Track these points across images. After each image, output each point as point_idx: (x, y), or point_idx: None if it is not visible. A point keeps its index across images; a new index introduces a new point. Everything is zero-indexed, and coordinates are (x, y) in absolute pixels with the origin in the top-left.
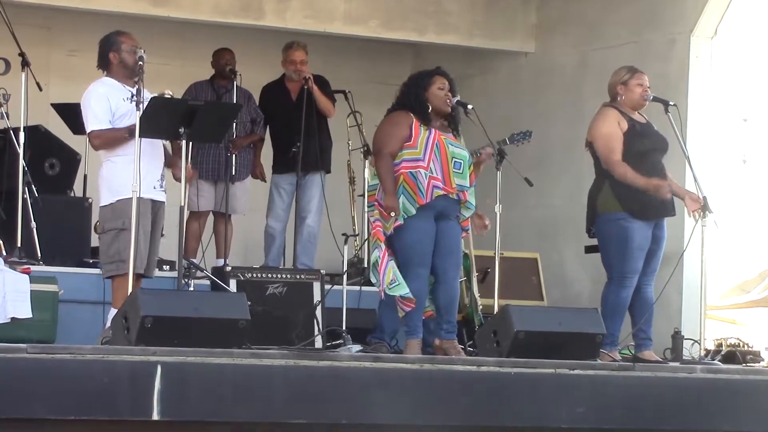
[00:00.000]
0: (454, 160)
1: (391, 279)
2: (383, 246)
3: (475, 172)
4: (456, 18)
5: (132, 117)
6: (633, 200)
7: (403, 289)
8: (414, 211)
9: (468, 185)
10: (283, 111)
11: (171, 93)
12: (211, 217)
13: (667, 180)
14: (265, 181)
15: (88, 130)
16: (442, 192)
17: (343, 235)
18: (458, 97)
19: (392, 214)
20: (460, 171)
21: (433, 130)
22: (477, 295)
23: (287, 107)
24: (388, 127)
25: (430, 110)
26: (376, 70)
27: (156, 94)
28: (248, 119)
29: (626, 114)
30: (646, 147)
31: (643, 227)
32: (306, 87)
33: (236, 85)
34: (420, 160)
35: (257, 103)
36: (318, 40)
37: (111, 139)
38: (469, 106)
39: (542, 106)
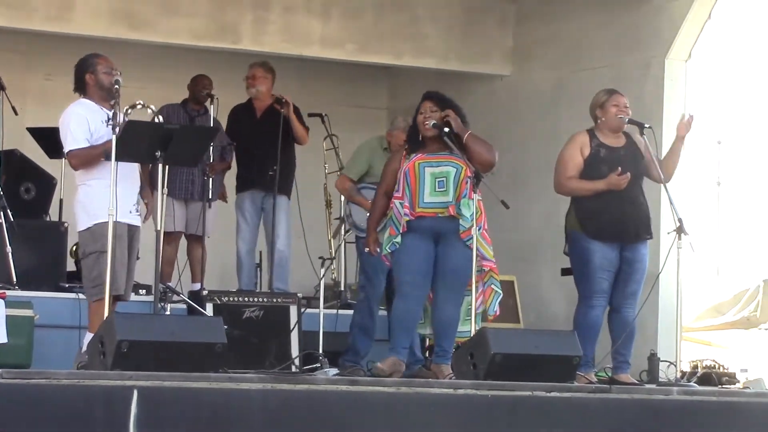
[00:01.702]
0: (436, 179)
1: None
2: None
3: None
4: (432, 41)
5: (110, 142)
6: (589, 222)
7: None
8: (398, 240)
9: (451, 200)
10: (248, 129)
11: (152, 108)
12: (183, 242)
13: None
14: (226, 202)
15: (66, 150)
16: (409, 218)
17: (320, 258)
18: (434, 121)
19: (366, 249)
20: (444, 189)
21: (413, 158)
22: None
23: (252, 126)
24: (385, 166)
25: (420, 138)
26: (352, 93)
27: (131, 112)
28: (220, 144)
29: (597, 138)
30: (603, 175)
31: (604, 248)
32: (280, 110)
33: (211, 114)
34: (396, 192)
35: (226, 123)
36: (295, 63)
37: (89, 158)
38: (445, 129)
39: (519, 129)
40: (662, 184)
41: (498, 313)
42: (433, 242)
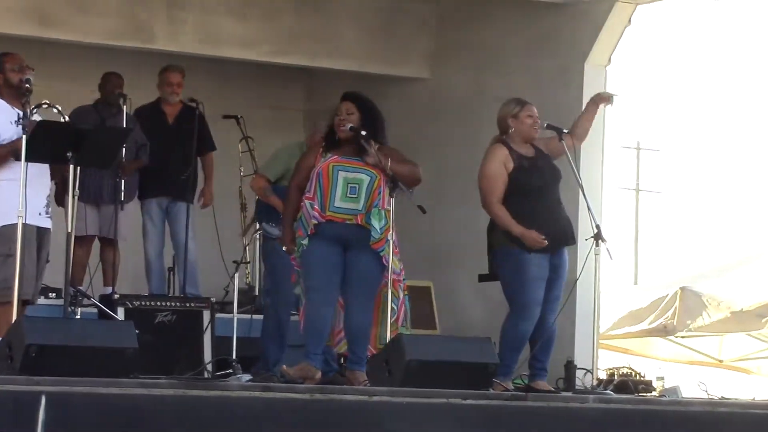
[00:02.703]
0: (348, 185)
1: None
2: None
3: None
4: (350, 43)
5: (19, 140)
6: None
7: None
8: (306, 242)
9: (360, 208)
10: (158, 135)
11: (58, 107)
12: (96, 244)
13: (557, 215)
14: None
15: None
16: (319, 220)
17: (234, 262)
18: (351, 124)
19: (284, 248)
20: (355, 195)
21: (328, 158)
22: None
23: (163, 131)
24: (299, 160)
25: (337, 138)
26: (269, 95)
27: (38, 110)
28: (134, 144)
29: (515, 150)
30: (535, 183)
31: (539, 258)
32: (195, 111)
33: (125, 111)
34: (308, 192)
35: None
36: (211, 64)
37: None
38: (363, 132)
39: (437, 133)
40: (580, 190)
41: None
42: (342, 248)
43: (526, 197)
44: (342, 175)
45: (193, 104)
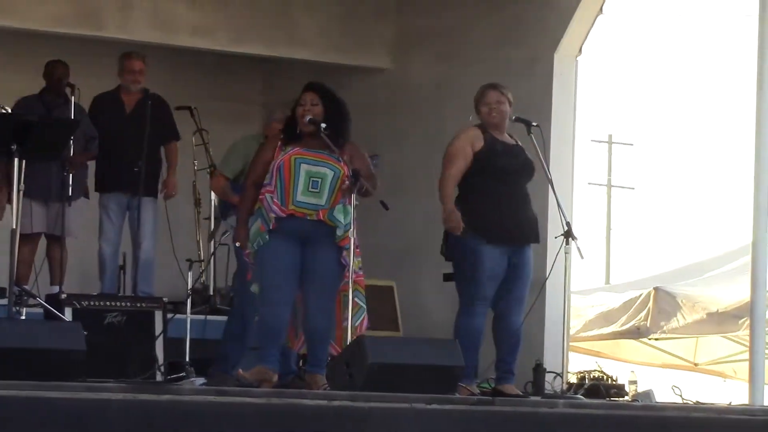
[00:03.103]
0: (311, 179)
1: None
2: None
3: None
4: (308, 32)
5: None
6: (482, 224)
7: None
8: (266, 237)
9: (323, 203)
10: (115, 124)
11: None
12: (43, 241)
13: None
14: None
15: None
16: (278, 215)
17: (188, 260)
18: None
19: (237, 244)
20: (317, 190)
21: (290, 151)
22: None
23: (120, 120)
24: (256, 153)
25: (298, 131)
26: (225, 85)
27: None
28: (83, 136)
29: (490, 133)
30: (502, 166)
31: (494, 252)
32: (155, 99)
33: (73, 101)
34: (268, 184)
35: (89, 114)
36: (164, 52)
37: None
38: (322, 125)
39: (399, 126)
40: (550, 186)
41: (364, 326)
42: (300, 245)
43: (491, 179)
44: (305, 168)
45: (153, 93)
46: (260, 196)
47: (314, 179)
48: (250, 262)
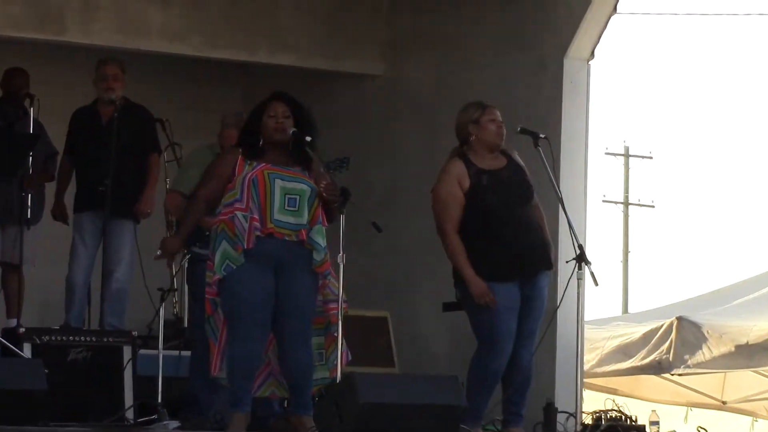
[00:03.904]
0: (287, 196)
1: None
2: (221, 315)
3: (325, 211)
4: (292, 35)
5: None
6: (483, 261)
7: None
8: (241, 260)
9: (305, 223)
10: (91, 138)
11: None
12: None
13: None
14: (68, 224)
15: None
16: (260, 233)
17: (160, 290)
18: (294, 129)
19: (159, 252)
20: (295, 208)
21: (258, 166)
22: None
23: (96, 133)
24: (209, 167)
25: (261, 142)
26: (200, 95)
27: None
28: (42, 153)
29: (474, 164)
30: (493, 203)
31: (505, 287)
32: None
33: (32, 115)
34: (237, 202)
35: (68, 129)
36: (132, 59)
37: None
38: (307, 138)
39: (393, 138)
40: (560, 204)
41: (345, 361)
42: (273, 270)
43: (485, 219)
44: (279, 184)
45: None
46: (222, 216)
47: (290, 196)
48: (212, 291)
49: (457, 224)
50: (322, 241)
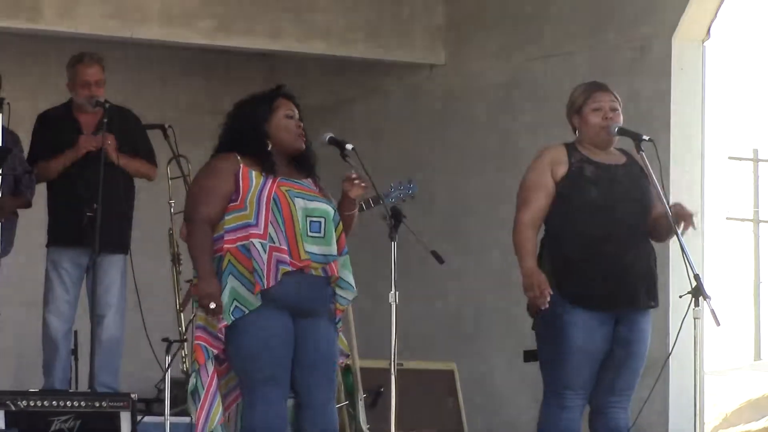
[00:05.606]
0: (308, 218)
1: (217, 421)
2: (208, 368)
3: (342, 218)
4: (326, 17)
5: None
6: (568, 278)
7: None
8: (256, 302)
9: (335, 253)
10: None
11: None
12: None
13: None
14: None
15: None
16: (290, 268)
17: (164, 340)
18: (330, 134)
19: (212, 305)
20: (320, 233)
21: (270, 179)
22: (365, 426)
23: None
24: (203, 179)
25: (270, 148)
26: (212, 94)
27: None
28: (11, 172)
29: (579, 152)
30: (593, 198)
31: (589, 321)
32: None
33: (1, 123)
34: (252, 226)
35: (32, 138)
36: (124, 51)
37: None
38: (348, 146)
39: (456, 143)
40: (669, 219)
41: None
42: (290, 314)
43: (581, 218)
44: (300, 204)
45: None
46: (227, 245)
47: (313, 219)
48: (210, 344)
49: (537, 217)
50: (350, 278)
